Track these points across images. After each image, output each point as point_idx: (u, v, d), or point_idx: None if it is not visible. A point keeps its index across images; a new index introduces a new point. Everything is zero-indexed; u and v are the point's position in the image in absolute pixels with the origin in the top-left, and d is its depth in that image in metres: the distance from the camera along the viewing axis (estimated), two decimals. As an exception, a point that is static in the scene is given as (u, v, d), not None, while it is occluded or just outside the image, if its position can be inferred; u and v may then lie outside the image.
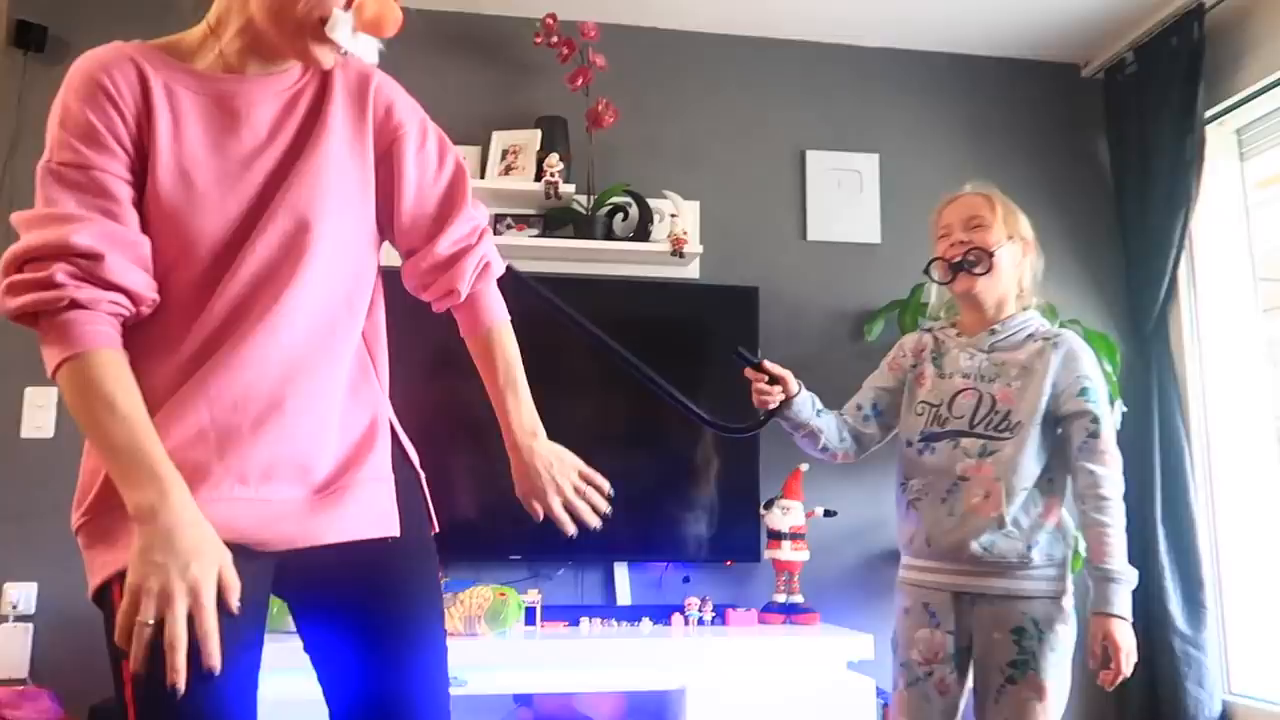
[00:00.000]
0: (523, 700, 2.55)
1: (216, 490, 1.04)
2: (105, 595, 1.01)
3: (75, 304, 1.00)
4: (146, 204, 1.07)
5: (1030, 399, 1.83)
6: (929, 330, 2.05)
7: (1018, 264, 1.93)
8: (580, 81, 2.88)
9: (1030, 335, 1.90)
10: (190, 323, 1.07)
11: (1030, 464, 1.82)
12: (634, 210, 2.94)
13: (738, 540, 2.81)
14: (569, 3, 2.95)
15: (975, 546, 1.80)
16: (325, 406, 1.13)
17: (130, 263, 1.03)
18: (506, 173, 2.88)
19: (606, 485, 1.30)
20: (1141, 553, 2.91)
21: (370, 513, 1.15)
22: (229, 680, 0.96)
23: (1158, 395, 2.99)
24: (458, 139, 2.91)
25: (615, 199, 2.92)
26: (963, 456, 1.85)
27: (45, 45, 2.85)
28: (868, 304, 3.07)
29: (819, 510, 2.82)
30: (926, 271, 2.01)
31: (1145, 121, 3.09)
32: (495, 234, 2.90)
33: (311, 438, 1.11)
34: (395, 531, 1.16)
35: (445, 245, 1.23)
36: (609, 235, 2.92)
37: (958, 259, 1.90)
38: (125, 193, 1.06)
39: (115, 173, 1.05)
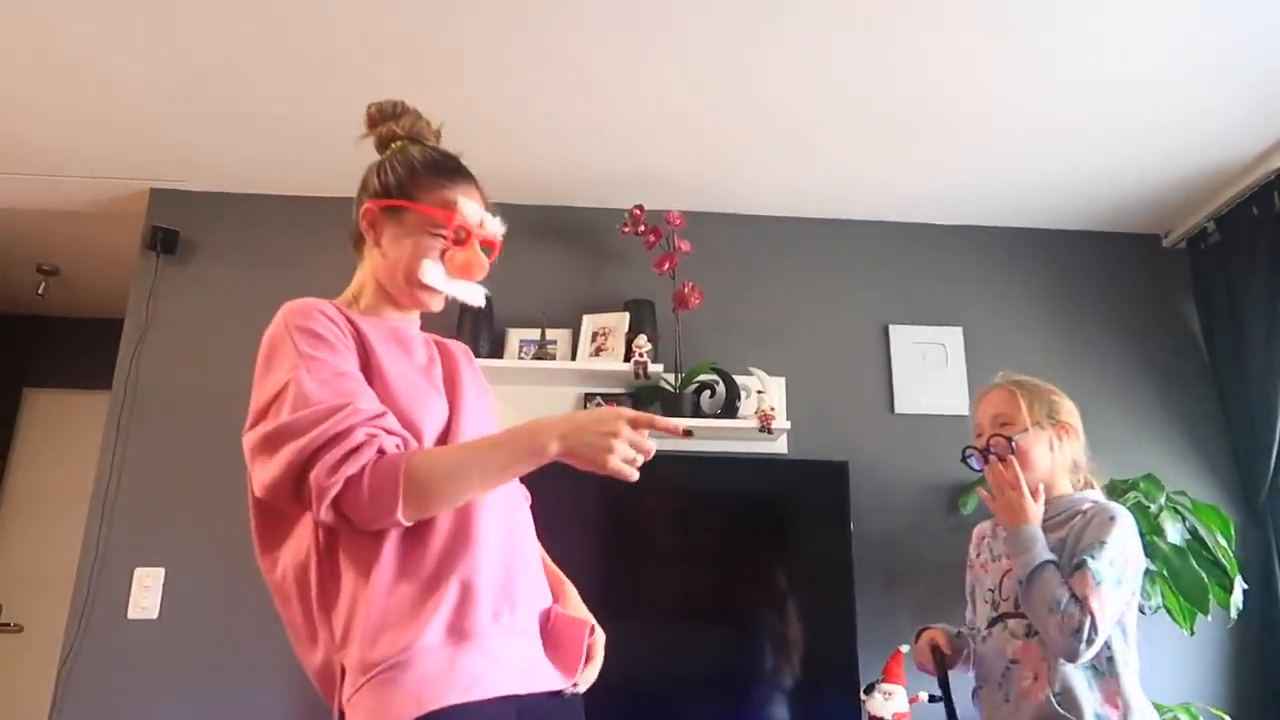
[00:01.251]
0: None
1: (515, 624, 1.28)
2: None
3: (383, 450, 1.20)
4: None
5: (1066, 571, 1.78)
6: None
7: (1052, 448, 1.92)
8: (666, 266, 3.02)
9: (1079, 512, 1.85)
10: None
11: None
12: (721, 387, 2.99)
13: (835, 731, 2.68)
14: (656, 194, 3.14)
15: None
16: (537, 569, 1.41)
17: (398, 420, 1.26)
18: (597, 354, 2.98)
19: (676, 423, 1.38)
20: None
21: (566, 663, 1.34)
22: None
23: (1278, 569, 2.84)
24: (551, 322, 3.08)
25: (702, 376, 2.99)
26: (1010, 639, 1.83)
27: (176, 248, 3.11)
28: (960, 477, 3.02)
29: (924, 695, 2.68)
30: (964, 461, 1.98)
31: (1234, 289, 3.08)
32: (586, 412, 2.98)
33: (537, 593, 1.36)
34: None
35: None
36: (697, 412, 2.97)
37: (985, 447, 1.94)
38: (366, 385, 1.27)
39: (355, 371, 1.28)
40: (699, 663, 2.71)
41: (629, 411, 1.26)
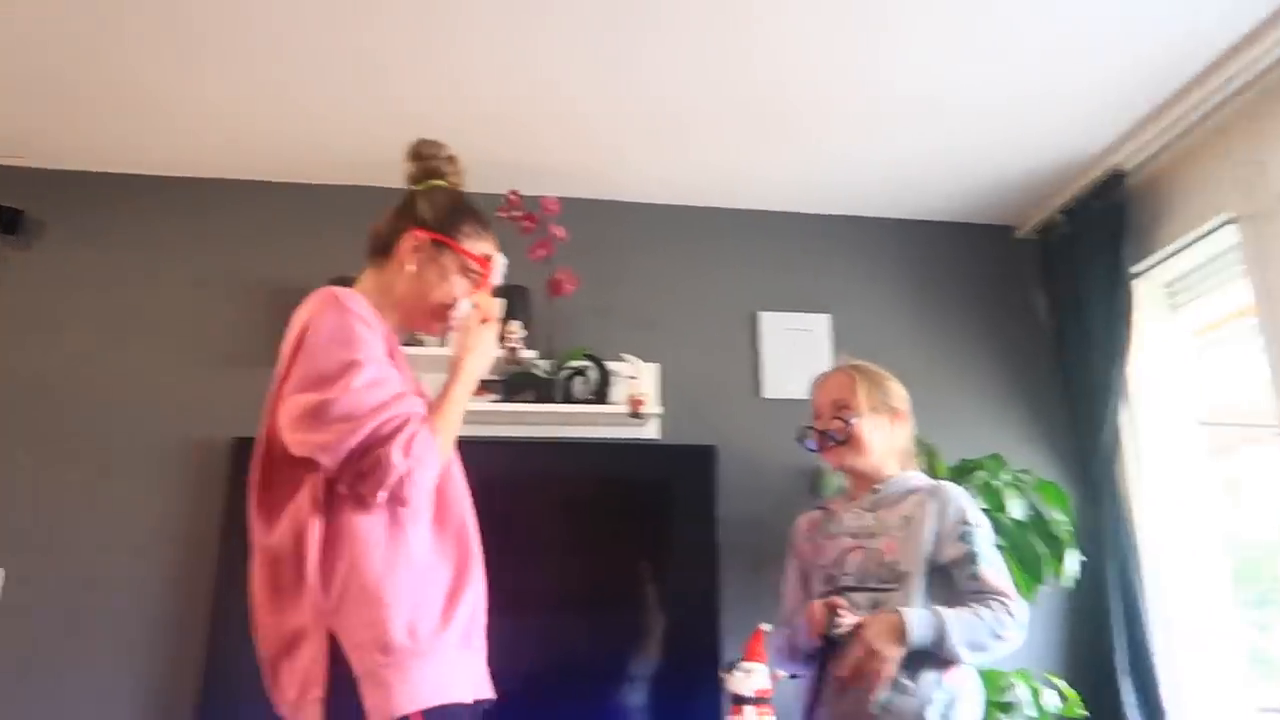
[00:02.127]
0: None
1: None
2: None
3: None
4: None
5: (913, 548, 1.91)
6: (821, 506, 2.18)
7: (887, 432, 2.05)
8: (542, 253, 3.02)
9: (911, 490, 2.01)
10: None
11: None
12: (593, 373, 3.03)
13: (697, 707, 2.77)
14: (532, 179, 3.13)
15: (873, 707, 1.81)
16: None
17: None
18: (469, 340, 2.97)
19: None
20: (1109, 706, 2.89)
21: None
22: None
23: (1112, 541, 3.04)
24: (422, 309, 3.04)
25: (575, 362, 3.02)
26: (855, 611, 1.89)
27: (18, 228, 2.96)
28: (823, 461, 3.13)
29: (783, 672, 2.79)
30: (800, 441, 2.12)
31: (1078, 278, 3.26)
32: (458, 399, 2.98)
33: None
34: None
35: None
36: (569, 398, 3.00)
37: (824, 431, 2.06)
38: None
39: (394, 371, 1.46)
40: (567, 647, 2.75)
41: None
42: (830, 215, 3.46)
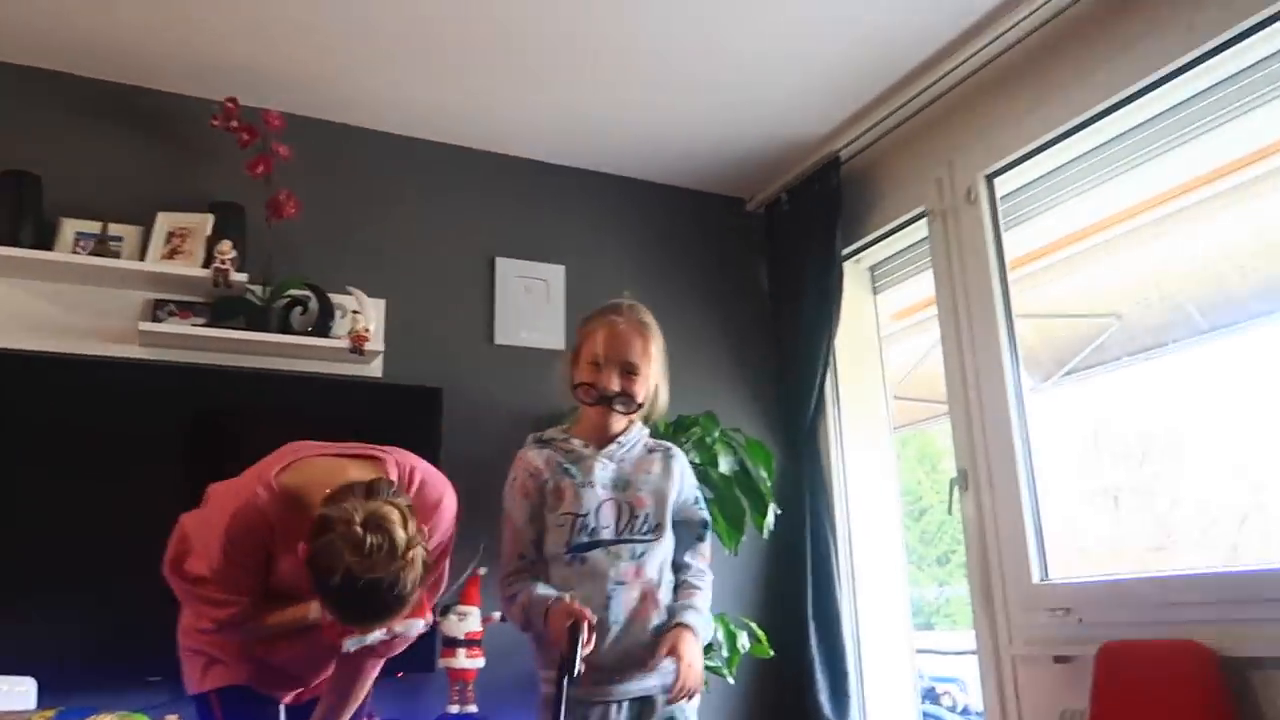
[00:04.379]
0: (149, 847, 2.24)
1: None
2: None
3: None
4: None
5: (664, 505, 1.97)
6: (545, 442, 2.04)
7: (651, 397, 2.02)
8: (261, 169, 2.79)
9: (647, 447, 2.04)
10: None
11: (669, 562, 1.99)
12: (314, 305, 2.84)
13: (411, 649, 2.69)
14: (253, 89, 2.88)
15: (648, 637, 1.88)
16: None
17: None
18: (171, 256, 2.69)
19: None
20: (795, 644, 3.14)
21: None
22: None
23: (809, 498, 3.29)
24: (120, 216, 2.74)
25: (294, 291, 2.82)
26: (615, 561, 1.90)
27: None
28: (551, 408, 3.14)
29: (496, 615, 2.78)
30: (575, 392, 2.00)
31: (797, 255, 3.48)
32: (155, 320, 2.69)
33: None
34: None
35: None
36: (285, 328, 2.80)
37: (609, 394, 1.94)
38: None
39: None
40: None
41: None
42: (572, 168, 3.47)
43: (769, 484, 3.00)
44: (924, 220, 3.13)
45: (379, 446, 1.73)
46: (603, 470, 1.96)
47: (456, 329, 3.15)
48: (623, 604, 1.88)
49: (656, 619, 1.90)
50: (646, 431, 2.09)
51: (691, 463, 2.91)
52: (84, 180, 2.74)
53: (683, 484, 2.03)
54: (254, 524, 1.56)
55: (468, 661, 2.68)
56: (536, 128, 3.23)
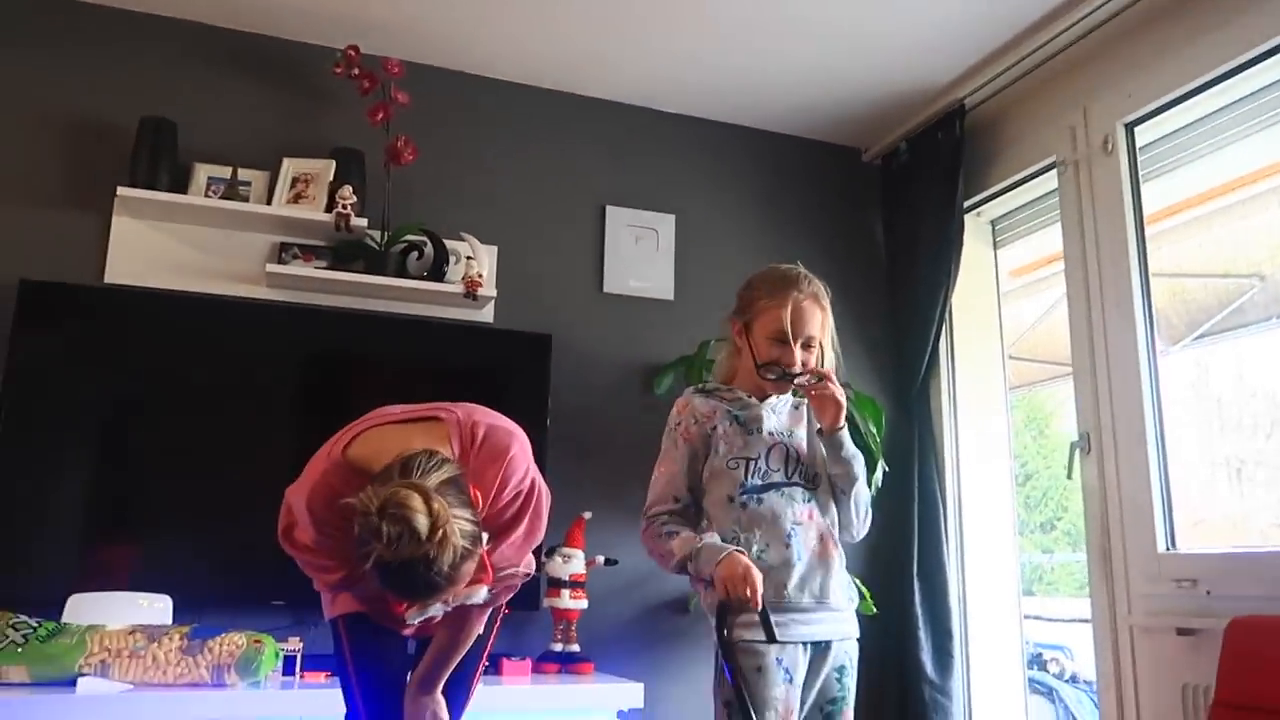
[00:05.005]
0: (275, 757, 2.38)
1: None
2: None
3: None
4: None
5: (816, 453, 2.03)
6: (708, 392, 2.05)
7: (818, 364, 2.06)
8: (380, 116, 2.84)
9: (793, 403, 2.10)
10: None
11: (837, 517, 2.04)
12: (429, 250, 2.90)
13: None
14: (374, 38, 2.92)
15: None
16: None
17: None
18: (295, 200, 2.78)
19: None
20: (900, 603, 3.10)
21: None
22: None
23: (918, 457, 3.22)
24: (246, 162, 2.84)
25: (410, 237, 2.88)
26: (790, 503, 1.95)
27: None
28: (658, 358, 3.15)
29: (600, 559, 2.83)
30: (766, 368, 1.98)
31: (914, 207, 3.37)
32: (281, 263, 2.79)
33: None
34: None
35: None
36: (402, 273, 2.86)
37: (795, 373, 1.97)
38: None
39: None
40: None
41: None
42: (684, 116, 3.42)
43: (879, 440, 2.95)
44: (1054, 172, 2.98)
45: (445, 405, 1.69)
46: (769, 418, 2.00)
47: (566, 277, 3.17)
48: (804, 543, 1.92)
49: (839, 559, 1.97)
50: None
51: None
52: (215, 127, 2.85)
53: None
54: (328, 497, 1.57)
55: (571, 602, 2.73)
56: (649, 75, 3.19)
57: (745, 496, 1.93)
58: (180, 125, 2.73)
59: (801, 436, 2.03)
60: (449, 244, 2.91)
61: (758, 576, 1.77)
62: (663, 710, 2.88)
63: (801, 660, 1.88)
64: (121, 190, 2.61)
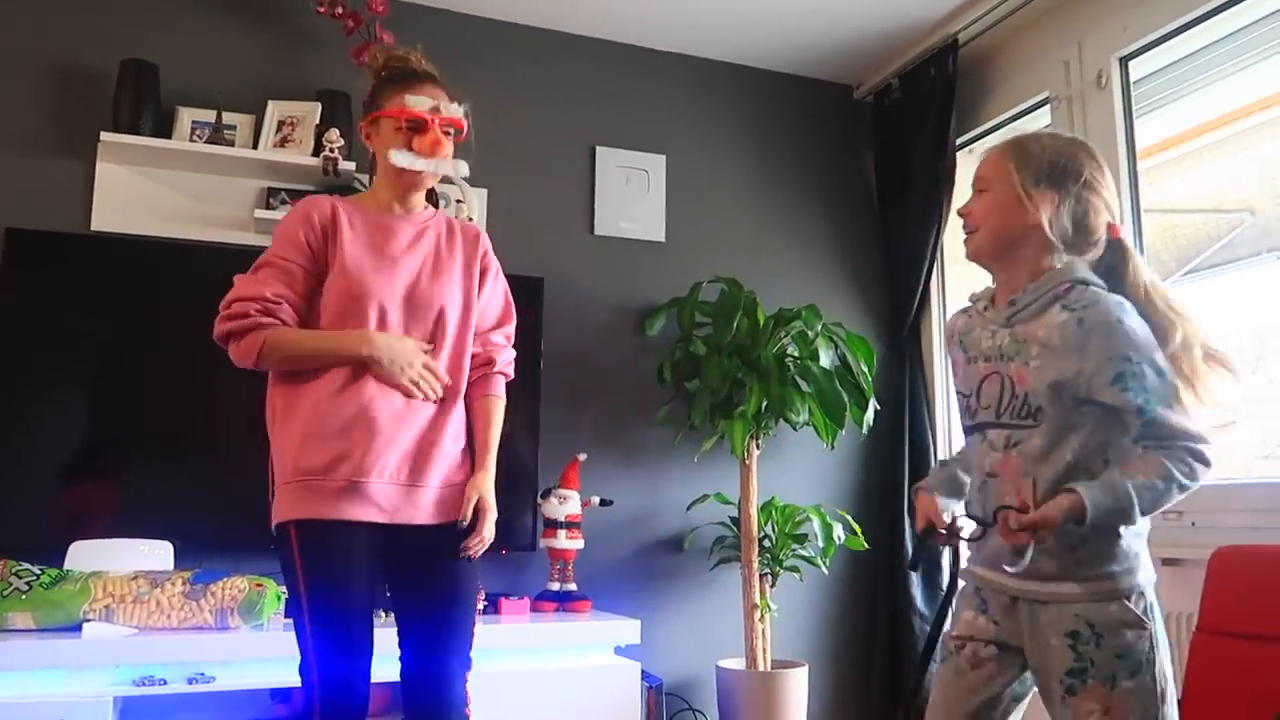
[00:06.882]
0: (280, 696, 2.43)
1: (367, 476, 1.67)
2: (283, 530, 1.66)
3: (259, 325, 1.67)
4: (333, 279, 1.72)
5: (1047, 380, 1.47)
6: (965, 309, 1.69)
7: (1031, 214, 1.51)
8: (365, 57, 2.78)
9: (1057, 300, 1.50)
10: None
11: (1061, 455, 1.47)
12: (419, 193, 2.87)
13: (514, 529, 2.80)
14: (358, -25, 2.86)
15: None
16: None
17: (292, 309, 1.71)
18: (282, 144, 2.75)
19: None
20: (890, 538, 3.15)
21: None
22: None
23: (909, 395, 3.25)
24: (230, 105, 2.79)
25: (399, 180, 2.84)
26: (990, 451, 1.54)
27: None
28: (650, 300, 3.15)
29: (595, 500, 2.86)
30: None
31: (906, 144, 3.35)
32: (269, 208, 2.77)
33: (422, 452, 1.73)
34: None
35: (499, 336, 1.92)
36: (392, 217, 2.84)
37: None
38: (300, 274, 1.73)
39: (297, 262, 1.72)
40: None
41: (425, 356, 1.73)
42: (674, 53, 3.37)
43: (870, 380, 2.97)
44: (1047, 107, 2.97)
45: None
46: (989, 338, 1.57)
47: (557, 219, 3.15)
48: (991, 500, 1.51)
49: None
50: (1058, 281, 1.51)
51: (790, 356, 2.94)
52: (198, 69, 2.80)
53: (1091, 354, 1.44)
54: (304, 209, 1.76)
55: (568, 542, 2.77)
56: (638, 12, 3.13)
57: (966, 437, 1.66)
58: (162, 68, 2.68)
59: (1032, 356, 1.51)
60: (438, 187, 2.88)
61: (935, 517, 1.59)
62: (659, 644, 2.94)
63: (998, 604, 1.58)
64: (105, 135, 2.57)
